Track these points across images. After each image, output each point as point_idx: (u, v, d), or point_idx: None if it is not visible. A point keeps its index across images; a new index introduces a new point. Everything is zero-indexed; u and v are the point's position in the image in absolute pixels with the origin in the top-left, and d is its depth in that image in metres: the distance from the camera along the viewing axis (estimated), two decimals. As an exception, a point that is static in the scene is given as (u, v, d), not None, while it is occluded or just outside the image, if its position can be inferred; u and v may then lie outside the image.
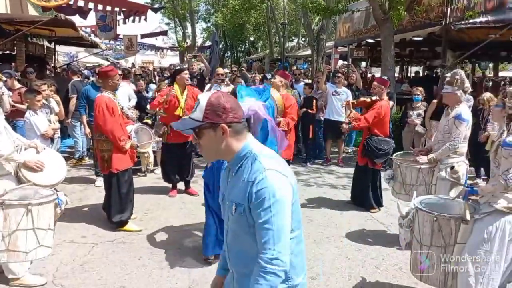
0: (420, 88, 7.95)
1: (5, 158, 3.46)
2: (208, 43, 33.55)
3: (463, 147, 4.29)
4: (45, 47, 11.22)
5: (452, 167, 4.11)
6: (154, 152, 7.17)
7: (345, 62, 15.67)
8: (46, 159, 3.78)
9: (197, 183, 6.50)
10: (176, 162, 6.18)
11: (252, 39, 35.90)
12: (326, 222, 5.40)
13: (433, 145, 4.61)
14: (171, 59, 34.19)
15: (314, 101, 8.44)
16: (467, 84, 4.27)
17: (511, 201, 2.98)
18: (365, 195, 5.78)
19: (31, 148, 3.81)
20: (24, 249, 2.91)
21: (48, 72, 8.90)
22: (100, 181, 6.71)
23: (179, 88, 5.95)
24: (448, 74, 4.41)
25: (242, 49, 42.47)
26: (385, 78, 6.51)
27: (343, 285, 3.85)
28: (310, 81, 9.95)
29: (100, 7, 12.28)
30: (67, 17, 7.02)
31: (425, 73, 14.05)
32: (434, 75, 13.45)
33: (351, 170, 8.05)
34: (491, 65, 17.72)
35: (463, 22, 8.41)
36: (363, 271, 4.11)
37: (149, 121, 6.75)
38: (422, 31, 9.40)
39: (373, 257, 4.42)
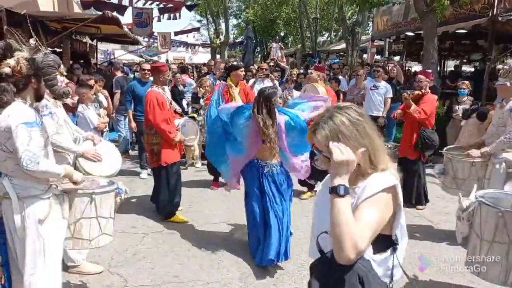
0: (466, 82, 7.72)
1: (65, 149, 3.59)
2: (239, 39, 33.73)
3: (520, 142, 4.14)
4: (88, 44, 11.56)
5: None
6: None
7: (379, 57, 15.40)
8: (103, 150, 3.89)
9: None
10: None
11: (282, 34, 35.76)
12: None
13: (485, 139, 4.48)
14: (203, 55, 34.53)
15: (341, 95, 8.41)
16: None
17: None
18: (416, 190, 5.69)
19: (88, 140, 3.93)
20: (88, 236, 3.01)
21: (91, 68, 9.16)
22: (144, 174, 6.89)
23: (233, 84, 5.89)
24: (500, 66, 4.30)
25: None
26: (429, 71, 6.35)
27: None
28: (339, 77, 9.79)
29: (137, 3, 12.55)
30: (112, 14, 7.18)
31: (476, 68, 13.45)
32: (478, 70, 12.99)
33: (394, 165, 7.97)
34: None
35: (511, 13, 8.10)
36: (416, 269, 4.03)
37: (195, 115, 6.83)
38: (466, 23, 9.12)
39: (422, 254, 4.33)
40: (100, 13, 6.95)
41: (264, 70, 7.63)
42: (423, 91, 5.54)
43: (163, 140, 4.90)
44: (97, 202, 3.01)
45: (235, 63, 6.22)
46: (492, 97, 7.58)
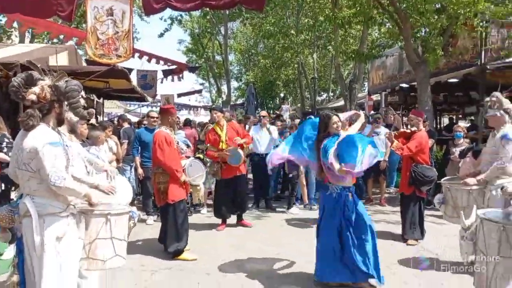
0: (462, 125, 8.03)
1: (79, 180, 3.76)
2: (240, 101, 34.78)
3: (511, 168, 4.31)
4: (95, 101, 12.03)
5: (502, 188, 4.14)
6: (210, 191, 7.57)
7: (373, 112, 15.89)
8: (116, 184, 4.04)
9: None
10: (230, 196, 6.49)
11: (282, 95, 36.93)
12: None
13: (481, 169, 4.65)
14: (204, 118, 35.41)
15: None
16: (508, 104, 4.41)
17: None
18: (416, 225, 5.76)
19: (103, 174, 4.10)
20: (102, 257, 3.10)
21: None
22: (151, 220, 6.97)
23: (216, 125, 6.60)
24: (487, 99, 4.60)
25: (273, 106, 43.64)
26: (420, 111, 6.67)
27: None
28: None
29: (143, 58, 13.12)
30: (122, 67, 7.61)
31: (472, 121, 13.77)
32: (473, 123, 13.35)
33: (396, 208, 8.04)
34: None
35: (499, 61, 8.58)
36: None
37: (201, 156, 7.07)
38: (457, 73, 9.60)
39: (431, 281, 4.35)
40: (110, 66, 7.34)
41: (263, 117, 8.12)
42: (412, 129, 5.81)
43: (170, 178, 5.07)
44: (112, 223, 3.13)
45: (213, 106, 6.98)
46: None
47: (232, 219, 6.73)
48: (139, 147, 7.06)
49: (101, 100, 13.09)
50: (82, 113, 3.03)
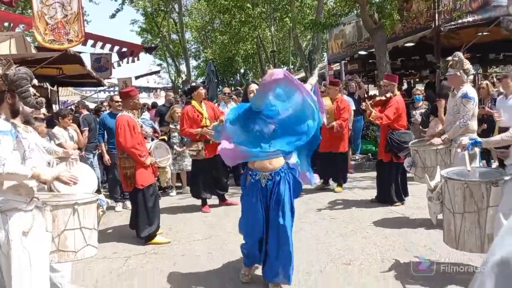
0: (420, 88, 8.22)
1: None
2: (200, 79, 34.26)
3: (473, 124, 4.49)
4: (49, 90, 11.50)
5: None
6: (178, 173, 7.42)
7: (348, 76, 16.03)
8: (78, 172, 3.89)
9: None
10: (213, 176, 6.33)
11: (242, 71, 36.64)
12: (349, 219, 5.49)
13: (444, 128, 4.80)
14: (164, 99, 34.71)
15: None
16: (467, 65, 4.53)
17: None
18: (390, 191, 5.90)
19: (63, 163, 3.93)
20: (73, 248, 3.00)
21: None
22: (119, 207, 6.82)
23: (197, 103, 6.23)
24: (449, 58, 4.70)
25: (233, 82, 43.30)
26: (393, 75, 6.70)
27: (377, 267, 3.91)
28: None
29: (97, 45, 12.65)
30: (74, 51, 7.26)
31: (428, 82, 14.12)
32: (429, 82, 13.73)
33: (364, 174, 8.26)
34: (480, 70, 18.17)
35: (452, 23, 8.78)
36: (394, 254, 4.19)
37: (166, 138, 6.92)
38: (413, 37, 9.77)
39: (401, 242, 4.51)
40: (62, 52, 6.97)
41: (227, 93, 7.98)
42: (387, 95, 5.83)
43: (137, 163, 4.94)
44: (80, 213, 3.03)
45: (193, 84, 6.57)
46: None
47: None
48: (104, 133, 6.83)
49: (55, 88, 12.53)
50: (32, 103, 2.85)
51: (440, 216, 3.67)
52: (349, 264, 4.02)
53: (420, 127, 7.63)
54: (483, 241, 3.28)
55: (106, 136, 6.85)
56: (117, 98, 7.04)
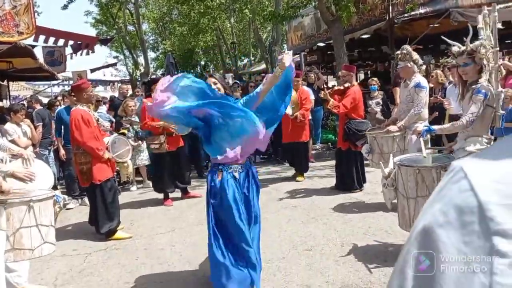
0: (375, 78, 8.47)
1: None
2: (159, 72, 33.69)
3: (425, 112, 4.71)
4: (-1, 84, 10.95)
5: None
6: (137, 168, 7.29)
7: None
8: (34, 169, 3.77)
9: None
10: (172, 171, 6.25)
11: (203, 63, 36.31)
12: (310, 207, 5.61)
13: (398, 116, 4.99)
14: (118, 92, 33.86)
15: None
16: (416, 56, 4.75)
17: (482, 144, 3.34)
18: (350, 178, 6.07)
19: (18, 160, 3.80)
20: (30, 246, 2.93)
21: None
22: (74, 204, 6.63)
23: None
24: (398, 52, 4.90)
25: (194, 75, 42.84)
26: (350, 65, 6.87)
27: (337, 252, 4.04)
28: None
29: (49, 40, 12.20)
30: (25, 44, 6.96)
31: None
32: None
33: (324, 163, 8.45)
34: (433, 60, 18.88)
35: (405, 15, 9.08)
36: (353, 239, 4.33)
37: (125, 131, 6.79)
38: (369, 29, 10.03)
39: (360, 226, 4.67)
40: (11, 44, 6.67)
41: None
42: (346, 85, 5.98)
43: (93, 158, 4.83)
44: (36, 210, 2.95)
45: (154, 76, 6.44)
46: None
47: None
48: (61, 128, 6.61)
49: (5, 83, 11.94)
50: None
51: (394, 201, 3.84)
52: (310, 250, 4.13)
53: (382, 117, 7.87)
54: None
55: (62, 131, 6.64)
56: None
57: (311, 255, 4.00)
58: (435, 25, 9.20)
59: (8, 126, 6.17)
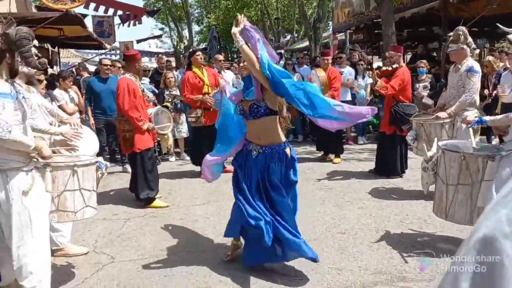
0: (424, 61, 8.12)
1: (42, 131, 3.60)
2: (202, 45, 33.77)
3: (476, 99, 4.47)
4: (50, 51, 11.37)
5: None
6: (176, 140, 7.42)
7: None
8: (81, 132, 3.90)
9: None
10: (209, 145, 6.30)
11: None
12: (346, 190, 5.54)
13: (447, 102, 4.78)
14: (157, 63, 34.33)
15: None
16: (470, 39, 4.48)
17: None
18: (392, 164, 5.90)
19: (67, 124, 3.93)
20: (73, 209, 3.05)
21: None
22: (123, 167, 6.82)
23: (197, 69, 6.16)
24: (450, 34, 4.63)
25: (235, 49, 42.73)
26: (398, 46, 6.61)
27: (371, 237, 3.98)
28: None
29: (99, 9, 12.47)
30: (76, 12, 7.13)
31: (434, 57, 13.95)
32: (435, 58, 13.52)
33: (363, 146, 8.29)
34: (487, 44, 17.85)
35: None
36: (389, 226, 4.25)
37: (169, 104, 6.90)
38: (421, 8, 9.56)
39: (396, 214, 4.57)
40: (62, 12, 6.85)
41: (221, 61, 7.88)
42: (394, 66, 5.75)
43: (135, 127, 4.95)
44: (79, 175, 3.06)
45: (191, 50, 6.50)
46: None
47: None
48: (91, 97, 6.81)
49: (56, 49, 12.38)
50: (34, 63, 2.82)
51: (432, 188, 3.72)
52: (344, 233, 4.09)
53: (429, 102, 7.53)
54: (473, 214, 3.33)
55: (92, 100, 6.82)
56: (106, 61, 7.02)
57: (344, 238, 3.96)
58: (494, 6, 8.65)
59: (57, 92, 6.39)
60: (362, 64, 8.98)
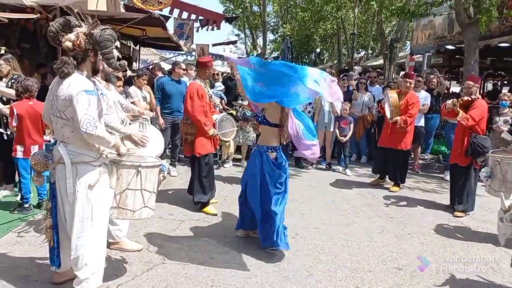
0: (508, 93, 7.55)
1: (113, 128, 3.76)
2: (275, 54, 34.06)
3: None
4: (131, 48, 12.00)
5: None
6: (239, 146, 7.49)
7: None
8: (148, 134, 4.03)
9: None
10: None
11: (318, 50, 35.92)
12: (407, 221, 5.26)
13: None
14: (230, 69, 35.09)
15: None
16: None
17: None
18: (470, 197, 5.57)
19: (136, 124, 4.08)
20: (132, 207, 3.14)
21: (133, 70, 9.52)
22: (174, 172, 6.97)
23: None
24: None
25: (308, 61, 42.62)
26: (476, 76, 6.26)
27: (430, 278, 3.72)
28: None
29: (182, 14, 13.03)
30: (159, 14, 7.45)
31: None
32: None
33: (431, 176, 7.85)
34: None
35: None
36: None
37: (234, 112, 6.98)
38: (510, 37, 8.93)
39: (461, 255, 4.23)
40: (147, 14, 7.18)
41: None
42: (472, 97, 5.46)
43: (198, 131, 5.04)
44: (143, 175, 3.14)
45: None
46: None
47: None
48: (161, 97, 6.98)
49: (137, 47, 13.05)
50: (114, 64, 2.96)
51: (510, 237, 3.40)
52: (401, 269, 3.87)
53: (509, 138, 7.00)
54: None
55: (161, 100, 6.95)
56: (184, 66, 7.17)
57: (400, 275, 3.74)
58: None
59: (131, 89, 6.68)
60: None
